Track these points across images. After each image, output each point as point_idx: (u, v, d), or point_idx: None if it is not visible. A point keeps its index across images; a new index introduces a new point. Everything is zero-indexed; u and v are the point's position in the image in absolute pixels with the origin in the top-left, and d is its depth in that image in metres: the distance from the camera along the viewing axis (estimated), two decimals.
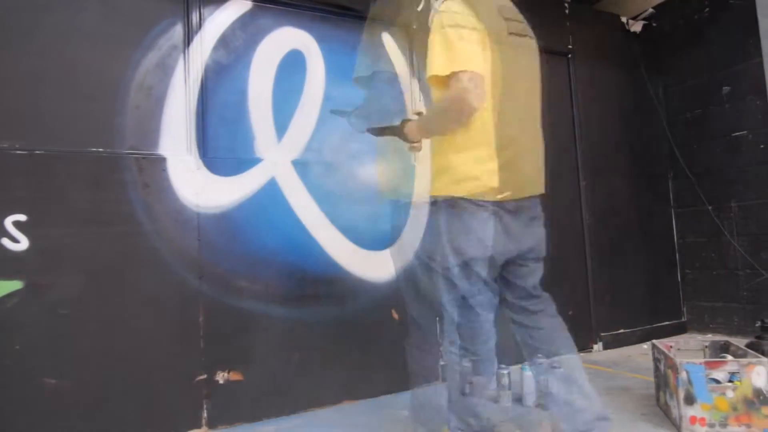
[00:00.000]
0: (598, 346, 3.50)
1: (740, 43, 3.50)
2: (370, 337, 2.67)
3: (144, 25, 2.34)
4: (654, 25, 4.06)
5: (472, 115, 1.54)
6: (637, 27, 3.99)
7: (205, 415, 2.27)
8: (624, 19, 3.97)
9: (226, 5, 2.53)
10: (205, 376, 2.29)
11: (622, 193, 3.79)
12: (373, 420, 2.33)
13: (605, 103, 3.79)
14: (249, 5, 2.59)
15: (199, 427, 2.27)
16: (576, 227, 3.56)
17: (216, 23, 2.49)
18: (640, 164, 3.90)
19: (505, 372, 2.45)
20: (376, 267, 2.76)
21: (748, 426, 1.91)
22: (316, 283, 2.57)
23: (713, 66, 3.73)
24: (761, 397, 1.91)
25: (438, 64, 1.56)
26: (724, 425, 1.93)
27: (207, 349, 2.30)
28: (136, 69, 2.30)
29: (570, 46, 3.63)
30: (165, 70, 2.36)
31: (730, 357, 2.11)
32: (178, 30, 2.40)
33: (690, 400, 1.95)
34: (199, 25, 2.44)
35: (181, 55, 2.40)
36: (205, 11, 2.47)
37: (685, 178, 3.90)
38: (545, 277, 3.06)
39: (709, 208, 3.76)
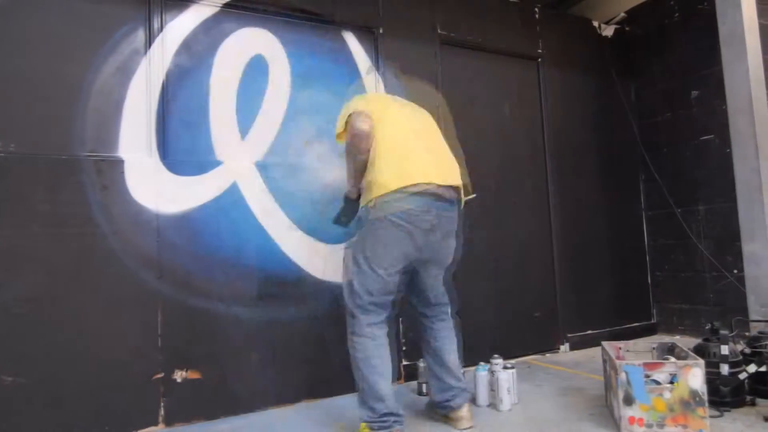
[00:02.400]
0: (564, 347, 3.55)
1: (708, 49, 3.54)
2: (329, 337, 2.71)
3: (105, 30, 2.38)
4: (626, 29, 4.11)
5: (363, 138, 2.00)
6: (609, 31, 4.03)
7: (162, 412, 2.32)
8: (596, 24, 4.01)
9: (189, 10, 2.57)
10: (162, 375, 2.33)
11: (592, 195, 3.83)
12: (329, 419, 2.37)
13: (575, 107, 3.83)
14: (213, 10, 2.63)
15: (156, 424, 2.31)
16: (543, 229, 3.60)
17: (178, 28, 2.53)
18: (611, 167, 3.94)
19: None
20: (339, 268, 2.79)
21: (684, 426, 1.95)
22: (276, 284, 2.62)
23: (683, 70, 3.78)
24: (697, 399, 1.95)
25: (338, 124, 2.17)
26: (661, 426, 1.97)
27: (165, 347, 2.35)
28: (96, 73, 2.34)
29: (540, 51, 3.67)
30: (126, 74, 2.40)
31: (672, 358, 2.16)
32: (140, 35, 2.45)
33: (629, 400, 1.99)
34: (161, 30, 2.48)
35: (143, 59, 2.44)
36: (167, 16, 2.51)
37: (656, 181, 3.94)
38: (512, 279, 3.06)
39: (678, 211, 3.80)
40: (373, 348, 2.01)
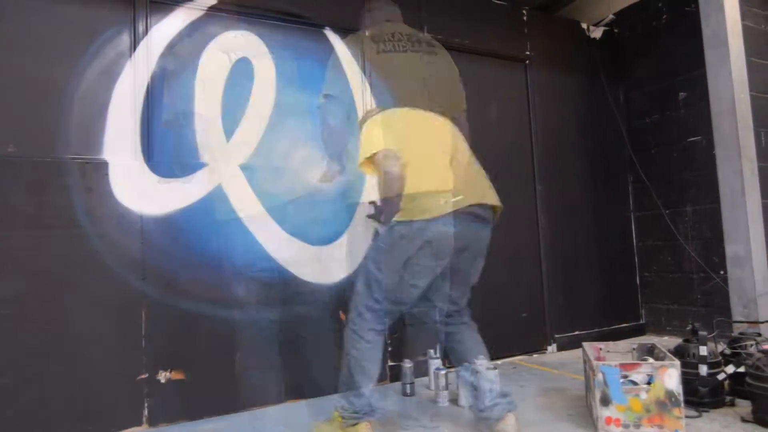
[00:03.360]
0: (551, 348, 3.56)
1: (695, 50, 3.54)
2: (313, 338, 2.73)
3: (90, 33, 2.40)
4: (615, 31, 4.13)
5: (396, 180, 1.95)
6: (597, 33, 4.05)
7: (146, 412, 2.34)
8: (584, 25, 4.03)
9: (174, 14, 2.59)
10: (146, 375, 2.35)
11: (580, 197, 3.85)
12: (313, 418, 2.38)
13: (563, 109, 3.84)
14: (198, 13, 2.65)
15: (139, 424, 2.33)
16: (531, 230, 3.62)
17: (163, 31, 2.55)
18: (599, 169, 3.96)
19: (443, 372, 2.51)
20: (324, 270, 2.82)
21: (660, 427, 1.97)
22: (260, 286, 2.63)
23: (670, 72, 3.80)
24: (673, 399, 1.97)
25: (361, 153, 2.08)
26: (637, 426, 1.98)
27: (148, 348, 2.37)
28: (81, 75, 2.36)
29: (528, 52, 3.69)
30: (111, 77, 2.42)
31: (650, 359, 2.17)
32: (125, 38, 2.47)
33: (605, 401, 2.01)
34: (146, 33, 2.50)
35: (128, 62, 2.46)
36: (152, 19, 2.53)
37: (644, 183, 3.96)
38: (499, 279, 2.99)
39: (666, 212, 3.82)
40: (367, 351, 2.04)
